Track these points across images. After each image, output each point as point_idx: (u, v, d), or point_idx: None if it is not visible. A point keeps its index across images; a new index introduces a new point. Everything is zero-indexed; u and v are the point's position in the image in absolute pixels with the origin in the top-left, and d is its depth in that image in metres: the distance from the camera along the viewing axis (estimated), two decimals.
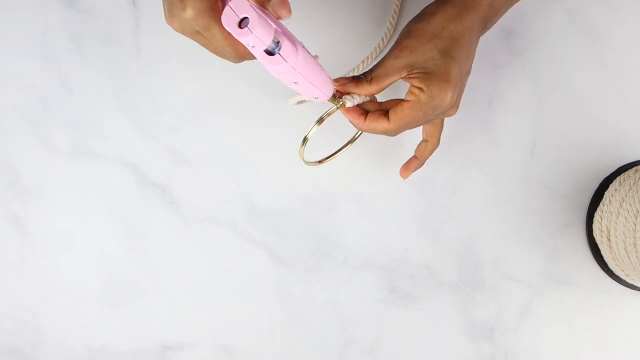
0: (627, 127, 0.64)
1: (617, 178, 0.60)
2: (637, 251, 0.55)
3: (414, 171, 0.58)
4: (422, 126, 0.56)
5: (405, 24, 0.52)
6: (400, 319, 0.63)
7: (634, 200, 0.56)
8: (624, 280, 0.62)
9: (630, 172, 0.60)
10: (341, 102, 0.50)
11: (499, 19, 0.54)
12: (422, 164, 0.58)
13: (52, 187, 0.64)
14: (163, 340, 0.63)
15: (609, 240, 0.59)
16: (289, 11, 0.44)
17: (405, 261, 0.63)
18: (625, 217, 0.56)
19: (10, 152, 0.64)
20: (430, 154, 0.57)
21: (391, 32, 0.63)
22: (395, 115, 0.50)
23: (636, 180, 0.58)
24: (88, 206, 0.64)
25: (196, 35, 0.44)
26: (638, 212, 0.55)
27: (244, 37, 0.41)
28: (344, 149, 0.59)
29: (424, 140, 0.57)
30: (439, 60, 0.49)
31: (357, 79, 0.50)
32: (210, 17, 0.41)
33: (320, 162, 0.58)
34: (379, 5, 0.64)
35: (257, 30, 0.41)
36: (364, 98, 0.51)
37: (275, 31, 0.43)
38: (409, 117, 0.50)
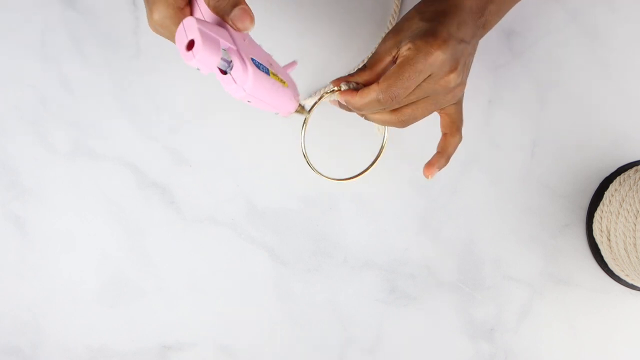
0: (627, 127, 0.64)
1: (617, 178, 0.60)
2: (637, 251, 0.55)
3: (439, 169, 0.54)
4: (440, 120, 0.55)
5: None
6: (400, 319, 0.63)
7: (634, 200, 0.56)
8: (624, 280, 0.62)
9: (630, 172, 0.60)
10: (337, 88, 0.50)
11: (497, 11, 0.52)
12: (446, 161, 0.55)
13: (52, 187, 0.64)
14: (163, 340, 0.63)
15: (609, 240, 0.59)
16: (252, 21, 0.43)
17: (405, 261, 0.63)
18: (625, 217, 0.56)
19: (10, 152, 0.64)
20: (454, 148, 0.54)
21: None
22: (385, 76, 0.48)
23: (636, 180, 0.58)
24: (88, 206, 0.64)
25: (171, 38, 0.44)
26: (638, 212, 0.55)
27: (189, 61, 0.39)
28: (368, 169, 0.55)
29: (444, 134, 0.54)
30: (425, 26, 0.48)
31: (353, 73, 0.50)
32: (175, 24, 0.41)
33: (339, 179, 0.55)
34: (379, 5, 0.64)
35: (200, 56, 0.39)
36: (357, 86, 0.50)
37: (229, 50, 0.41)
38: (397, 74, 0.47)
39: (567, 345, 0.62)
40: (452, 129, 0.54)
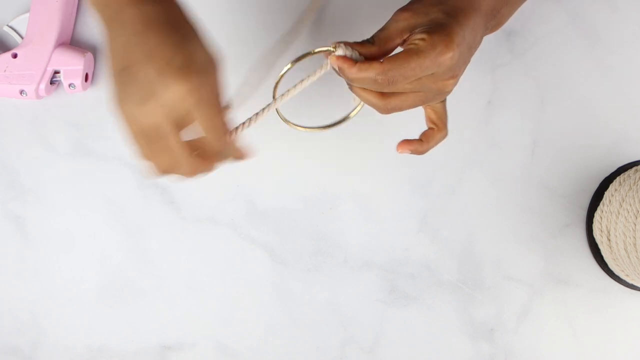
0: (627, 127, 0.64)
1: (617, 178, 0.60)
2: (637, 251, 0.55)
3: (411, 152, 0.53)
4: (425, 115, 0.54)
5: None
6: (400, 319, 0.63)
7: (634, 200, 0.56)
8: (624, 280, 0.62)
9: (630, 172, 0.60)
10: (334, 47, 0.47)
11: (509, 12, 0.52)
12: (423, 151, 0.54)
13: (52, 187, 0.64)
14: (163, 340, 0.63)
15: (609, 240, 0.59)
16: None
17: (405, 261, 0.63)
18: (625, 217, 0.56)
19: (10, 152, 0.64)
20: (437, 142, 0.54)
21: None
22: (391, 59, 0.46)
23: (636, 180, 0.58)
24: (88, 206, 0.64)
25: (169, 126, 0.42)
26: (638, 212, 0.55)
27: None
28: (328, 127, 0.53)
29: (430, 128, 0.53)
30: (442, 20, 0.46)
31: (360, 42, 0.48)
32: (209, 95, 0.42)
33: (294, 125, 0.53)
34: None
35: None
36: (359, 57, 0.48)
37: None
38: (403, 62, 0.46)
39: (567, 345, 0.62)
40: (440, 124, 0.53)
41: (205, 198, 0.63)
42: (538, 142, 0.64)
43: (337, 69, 0.48)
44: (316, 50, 0.48)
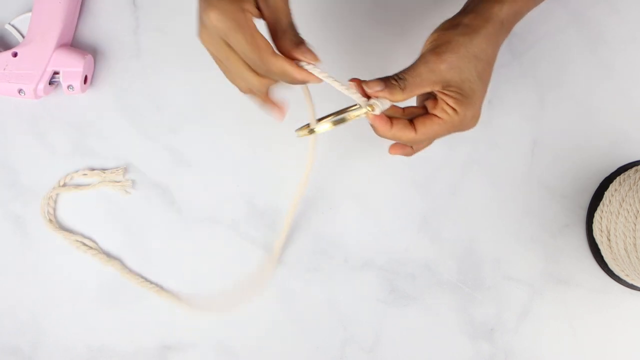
0: (627, 127, 0.64)
1: (617, 178, 0.60)
2: (637, 251, 0.55)
3: (401, 154, 0.55)
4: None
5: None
6: (400, 319, 0.63)
7: (634, 200, 0.56)
8: (624, 280, 0.62)
9: (630, 172, 0.60)
10: (370, 107, 0.48)
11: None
12: (412, 154, 0.55)
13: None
14: (163, 340, 0.63)
15: (609, 240, 0.59)
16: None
17: (405, 261, 0.63)
18: (625, 217, 0.56)
19: (10, 152, 0.64)
20: (422, 150, 0.55)
21: None
22: (424, 128, 0.50)
23: (636, 180, 0.58)
24: (88, 206, 0.64)
25: (222, 48, 0.44)
26: (638, 212, 0.55)
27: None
28: (334, 119, 0.51)
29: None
30: (474, 84, 0.49)
31: (390, 86, 0.48)
32: (237, 20, 0.43)
33: (310, 132, 0.52)
34: (378, 5, 0.64)
35: None
36: (389, 103, 0.49)
37: None
38: (435, 132, 0.50)
39: (567, 345, 0.62)
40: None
41: (206, 198, 0.63)
42: (538, 142, 0.64)
43: (370, 122, 0.50)
44: (352, 116, 0.49)
